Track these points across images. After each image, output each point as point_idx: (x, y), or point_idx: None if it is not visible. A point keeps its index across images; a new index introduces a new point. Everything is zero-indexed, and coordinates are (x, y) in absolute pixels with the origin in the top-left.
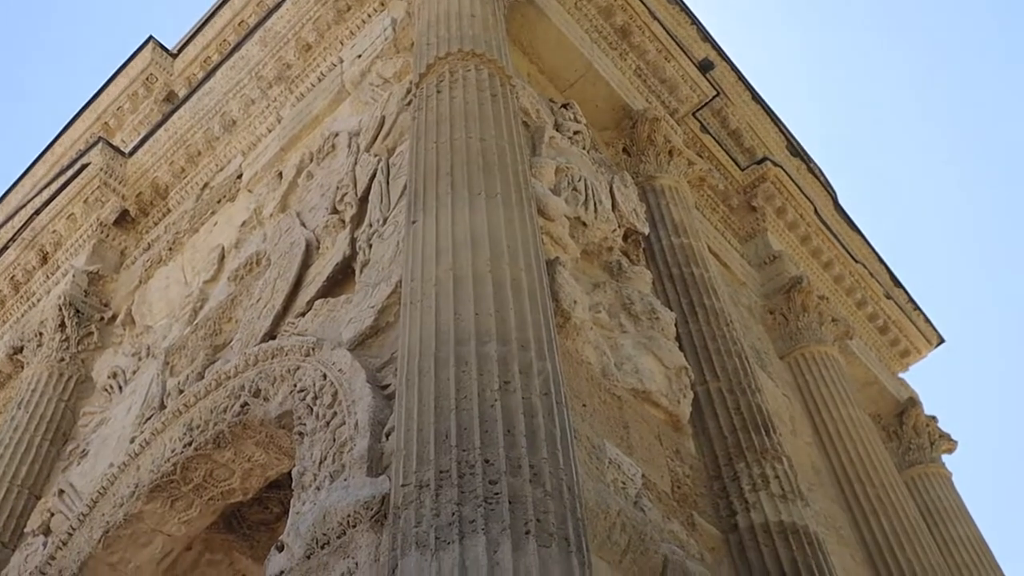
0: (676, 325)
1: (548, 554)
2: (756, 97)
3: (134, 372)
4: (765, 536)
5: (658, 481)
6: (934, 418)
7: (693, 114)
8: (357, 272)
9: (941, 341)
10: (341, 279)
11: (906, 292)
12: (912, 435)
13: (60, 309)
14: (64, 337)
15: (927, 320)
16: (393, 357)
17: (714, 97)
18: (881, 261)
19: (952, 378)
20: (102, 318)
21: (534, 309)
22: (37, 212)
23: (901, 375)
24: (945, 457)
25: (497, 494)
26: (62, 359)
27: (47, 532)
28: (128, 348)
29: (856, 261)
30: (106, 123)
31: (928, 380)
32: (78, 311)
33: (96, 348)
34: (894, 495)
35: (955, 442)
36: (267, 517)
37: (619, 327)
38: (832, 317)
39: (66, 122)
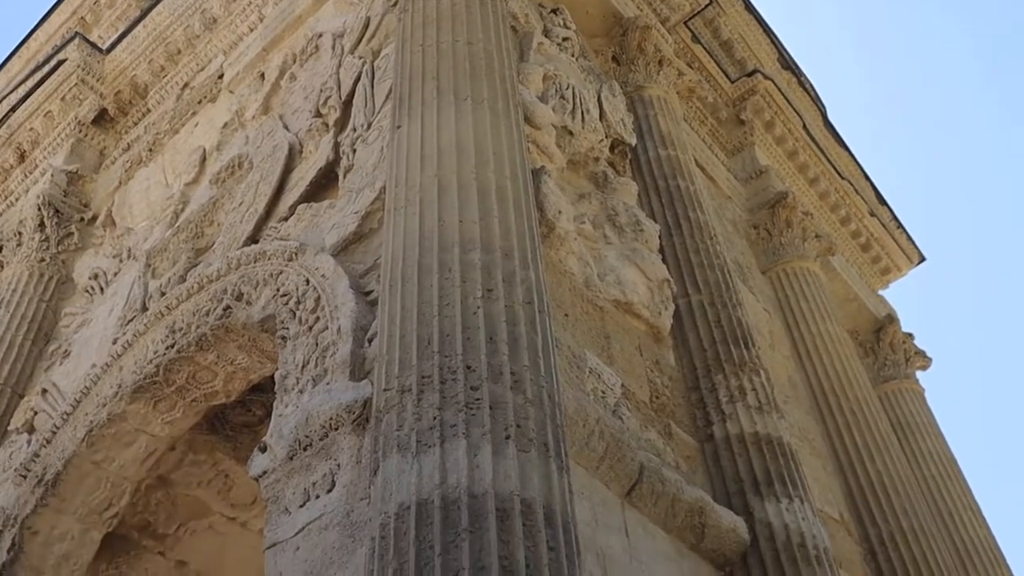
0: (660, 237)
1: (527, 459)
2: (749, 7)
3: (115, 274)
4: (740, 446)
5: (637, 391)
6: (910, 335)
7: (685, 23)
8: (341, 177)
9: (922, 259)
10: (324, 184)
11: (890, 210)
12: (888, 351)
13: (39, 209)
14: (44, 237)
15: (909, 238)
16: (376, 263)
17: (707, 5)
18: (867, 178)
19: (930, 296)
20: (82, 219)
21: (519, 218)
22: (13, 109)
23: (881, 292)
24: (919, 374)
25: (478, 400)
26: (42, 259)
27: (31, 430)
28: (109, 250)
29: (842, 178)
30: (82, 18)
31: (907, 298)
32: (57, 211)
33: (76, 249)
34: (867, 409)
35: (929, 359)
36: (250, 419)
37: (603, 238)
38: (815, 233)
39: (41, 16)
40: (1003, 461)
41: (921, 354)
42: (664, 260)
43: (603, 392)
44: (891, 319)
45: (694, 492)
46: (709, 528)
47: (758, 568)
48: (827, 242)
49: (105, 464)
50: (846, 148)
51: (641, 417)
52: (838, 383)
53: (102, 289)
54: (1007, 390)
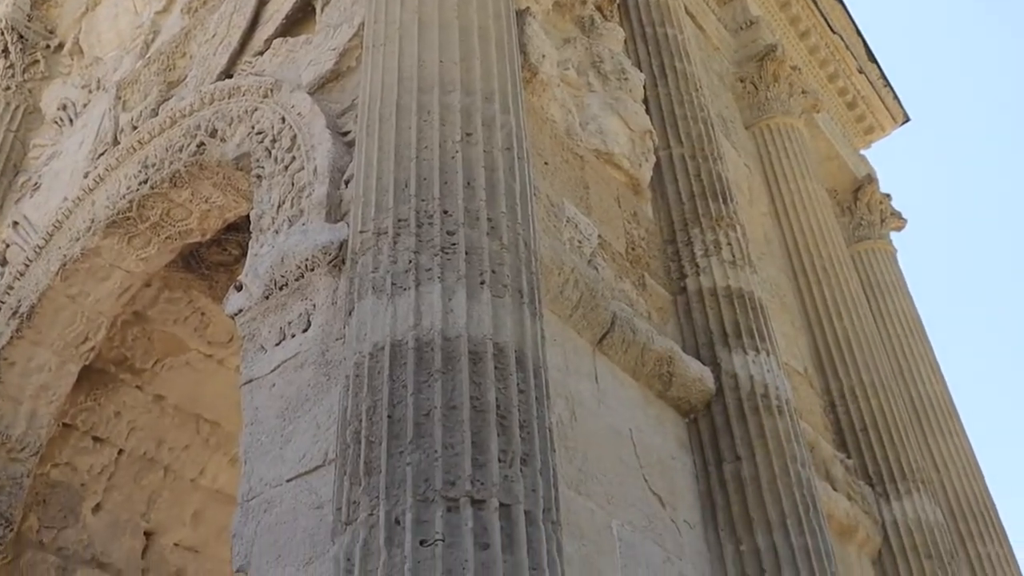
0: (644, 87)
1: (501, 304)
2: None
3: (85, 105)
4: (711, 299)
5: (613, 242)
6: (888, 196)
7: None
8: (318, 11)
9: (906, 120)
10: (300, 18)
11: (879, 67)
12: (865, 211)
13: (2, 33)
14: (8, 64)
15: (895, 97)
16: (354, 104)
17: None
18: (858, 33)
19: (910, 158)
20: (48, 46)
21: (501, 61)
22: None
23: (862, 152)
24: (893, 234)
25: (454, 244)
26: (8, 88)
27: (3, 263)
28: (77, 80)
29: (833, 32)
30: None
31: (887, 159)
32: (21, 36)
33: (43, 78)
34: (839, 268)
35: (904, 220)
36: (226, 259)
37: (587, 86)
38: (802, 89)
39: None
40: (966, 320)
41: (896, 215)
42: (647, 111)
43: (579, 242)
44: (870, 179)
45: (664, 342)
46: (677, 377)
47: (721, 416)
48: (813, 98)
49: (80, 298)
50: (840, 1)
51: (616, 268)
52: (812, 241)
53: (71, 120)
54: (975, 252)
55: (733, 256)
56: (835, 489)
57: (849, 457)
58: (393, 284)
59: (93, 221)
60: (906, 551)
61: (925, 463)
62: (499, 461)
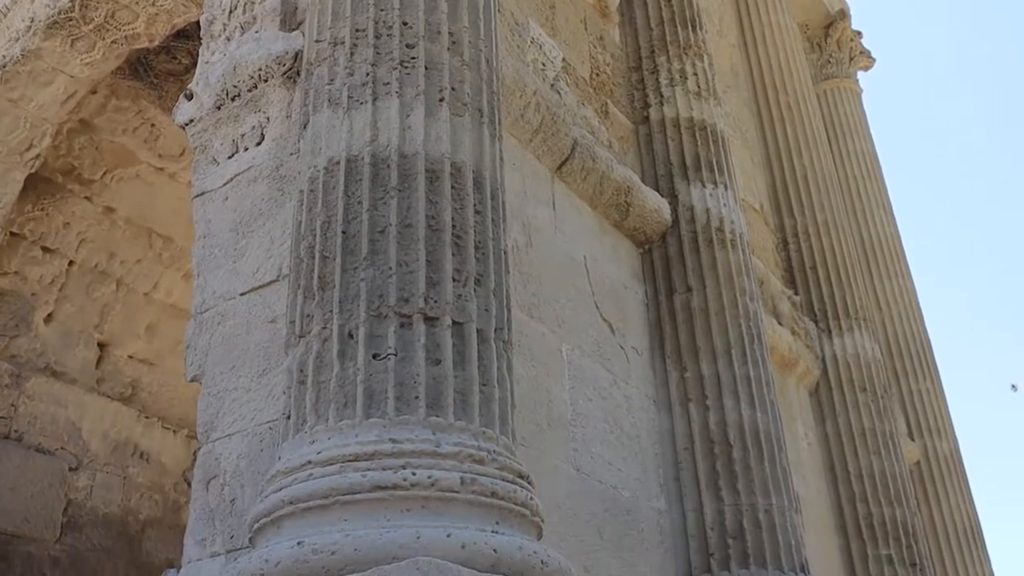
0: None
1: (460, 123)
2: None
3: None
4: (673, 130)
5: (578, 66)
6: (859, 33)
7: None
8: None
9: None
10: None
11: None
12: (834, 48)
13: None
14: None
15: None
16: None
17: None
18: None
19: None
20: None
21: None
22: None
23: None
24: (860, 74)
25: (414, 59)
26: None
27: None
28: None
29: None
30: None
31: None
32: None
33: None
34: (804, 105)
35: (873, 60)
36: (176, 68)
37: None
38: None
39: None
40: (924, 162)
41: (866, 54)
42: None
43: (543, 64)
44: (843, 15)
45: (623, 171)
46: (634, 207)
47: (675, 247)
48: None
49: (23, 103)
50: None
51: (579, 93)
52: (779, 77)
53: None
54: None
55: (699, 87)
56: (780, 324)
57: (797, 294)
58: (350, 98)
59: (33, 20)
60: (842, 384)
61: (869, 302)
62: (453, 280)
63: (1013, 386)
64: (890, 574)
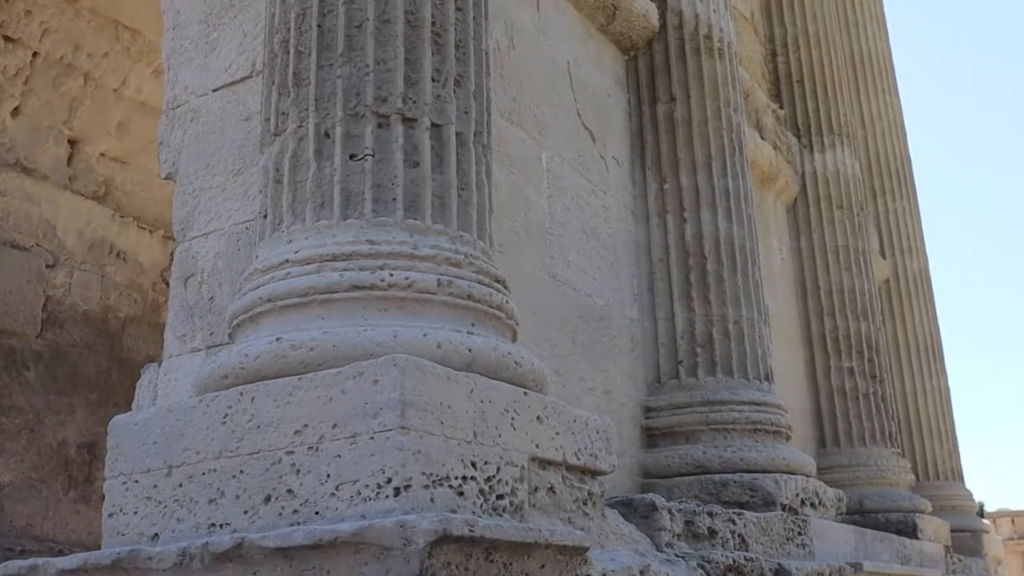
0: None
1: None
2: None
3: None
4: None
5: None
6: None
7: None
8: None
9: None
10: None
11: None
12: None
13: None
14: None
15: None
16: None
17: None
18: None
19: None
20: None
21: None
22: None
23: None
24: None
25: None
26: None
27: None
28: None
29: None
30: None
31: None
32: None
33: None
34: None
35: None
36: None
37: None
38: None
39: None
40: None
41: None
42: None
43: None
44: None
45: None
46: (621, 11)
47: (662, 55)
48: None
49: None
50: None
51: None
52: None
53: None
54: None
55: None
56: (763, 137)
57: (782, 107)
58: None
59: None
60: (820, 201)
61: (853, 118)
62: (432, 80)
63: None
64: (851, 384)
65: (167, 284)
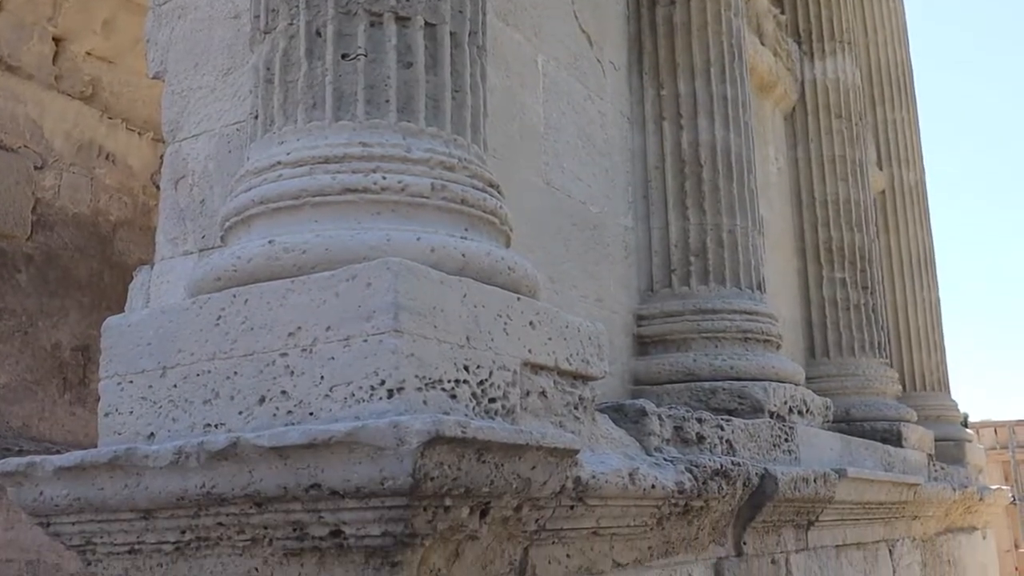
0: None
1: None
2: None
3: None
4: None
5: None
6: None
7: None
8: None
9: None
10: None
11: None
12: None
13: None
14: None
15: None
16: None
17: None
18: None
19: None
20: None
21: None
22: None
23: None
24: None
25: None
26: None
27: None
28: None
29: None
30: None
31: None
32: None
33: None
34: None
35: None
36: None
37: None
38: None
39: None
40: None
41: None
42: None
43: None
44: None
45: None
46: None
47: None
48: None
49: None
50: None
51: None
52: None
53: None
54: None
55: None
56: (763, 44)
57: (783, 12)
58: None
59: None
60: (818, 109)
61: (855, 24)
62: None
63: None
64: (842, 295)
65: (157, 188)
